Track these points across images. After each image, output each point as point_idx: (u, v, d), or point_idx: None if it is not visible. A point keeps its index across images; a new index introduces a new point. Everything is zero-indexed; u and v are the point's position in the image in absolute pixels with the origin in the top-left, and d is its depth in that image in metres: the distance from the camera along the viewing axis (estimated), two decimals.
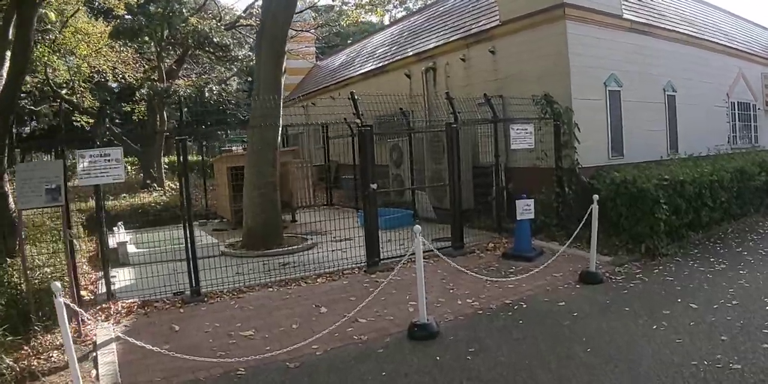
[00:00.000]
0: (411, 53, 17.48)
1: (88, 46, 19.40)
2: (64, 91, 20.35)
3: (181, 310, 8.02)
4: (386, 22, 37.26)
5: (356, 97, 9.77)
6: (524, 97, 11.82)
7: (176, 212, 16.46)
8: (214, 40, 19.07)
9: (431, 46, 16.37)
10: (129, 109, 23.30)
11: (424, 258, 9.46)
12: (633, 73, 13.19)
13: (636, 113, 13.23)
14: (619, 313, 7.22)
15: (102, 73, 20.43)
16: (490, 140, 11.98)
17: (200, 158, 20.40)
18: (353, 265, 9.78)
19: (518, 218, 9.72)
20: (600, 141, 12.37)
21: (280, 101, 11.77)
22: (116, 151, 8.08)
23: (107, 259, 8.55)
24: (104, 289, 8.49)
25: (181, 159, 8.65)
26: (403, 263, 8.14)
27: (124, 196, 18.19)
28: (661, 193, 9.76)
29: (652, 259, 9.79)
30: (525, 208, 9.67)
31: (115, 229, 13.70)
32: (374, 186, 9.45)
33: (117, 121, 25.57)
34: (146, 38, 19.25)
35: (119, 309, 8.04)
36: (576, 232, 9.08)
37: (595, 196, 8.62)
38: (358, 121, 9.54)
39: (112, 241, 11.39)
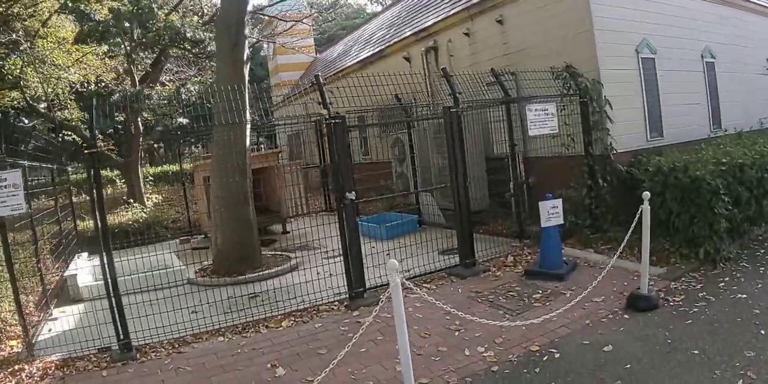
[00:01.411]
0: (409, 33, 15.35)
1: (70, 54, 17.66)
2: (42, 106, 18.54)
3: (104, 373, 6.07)
4: (379, 8, 35.13)
5: (322, 81, 7.64)
6: (542, 71, 9.57)
7: (158, 230, 14.73)
8: (187, 35, 17.04)
9: (430, 22, 14.21)
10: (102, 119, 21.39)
11: (424, 281, 7.32)
12: (667, 37, 10.91)
13: (673, 85, 10.96)
14: (689, 362, 5.03)
15: (85, 83, 18.65)
16: (504, 126, 9.79)
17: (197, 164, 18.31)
18: (333, 298, 7.68)
19: (543, 225, 7.53)
20: (636, 120, 10.12)
21: (244, 95, 9.70)
22: (13, 174, 6.30)
23: (48, 298, 6.66)
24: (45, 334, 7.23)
25: (93, 174, 6.61)
26: (403, 291, 6.05)
27: None
28: (719, 181, 7.52)
29: (714, 267, 7.54)
30: (551, 213, 7.49)
31: (77, 256, 12.12)
32: (352, 195, 7.33)
33: (108, 132, 23.55)
34: (118, 39, 17.40)
35: (32, 372, 6.20)
36: (624, 239, 6.87)
37: (646, 194, 6.34)
38: (324, 112, 7.42)
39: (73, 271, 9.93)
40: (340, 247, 7.55)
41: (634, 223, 6.51)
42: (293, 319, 7.15)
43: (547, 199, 7.54)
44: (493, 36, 11.83)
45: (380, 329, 6.35)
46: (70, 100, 19.56)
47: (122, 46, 17.75)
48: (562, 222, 7.63)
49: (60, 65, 17.30)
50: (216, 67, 11.00)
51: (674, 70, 10.99)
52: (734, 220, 7.83)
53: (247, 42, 10.56)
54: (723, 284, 6.92)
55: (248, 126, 10.14)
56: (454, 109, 8.11)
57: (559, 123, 9.04)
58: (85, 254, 12.38)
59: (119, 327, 6.49)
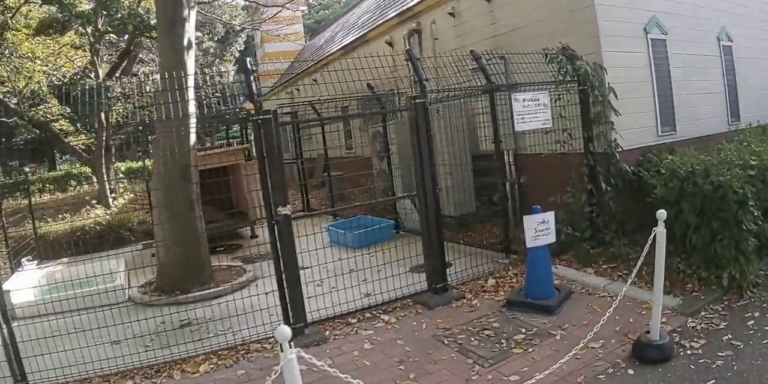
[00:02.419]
0: (392, 14, 13.84)
1: (45, 47, 16.37)
2: (14, 101, 17.20)
3: None
4: None
5: (250, 66, 6.14)
6: (534, 53, 8.01)
7: (122, 234, 13.36)
8: (152, 23, 15.59)
9: (414, 1, 12.64)
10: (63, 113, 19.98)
11: (384, 311, 6.08)
12: (680, 16, 9.34)
13: (687, 71, 9.41)
14: None
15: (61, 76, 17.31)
16: (501, 117, 8.20)
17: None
18: (270, 332, 6.22)
19: (529, 246, 6.05)
20: (644, 111, 8.59)
21: (187, 84, 8.27)
22: None
23: None
24: None
25: None
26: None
27: (62, 217, 14.86)
28: (748, 189, 6.02)
29: (740, 296, 6.00)
30: (540, 229, 6.00)
31: (23, 265, 10.83)
32: (286, 209, 5.86)
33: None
34: (81, 29, 16.05)
35: None
36: (631, 259, 5.59)
37: (661, 214, 4.82)
38: (249, 106, 5.94)
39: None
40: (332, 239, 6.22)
41: (644, 253, 4.99)
42: (216, 360, 5.75)
43: (534, 212, 6.05)
44: (481, 16, 10.30)
45: (321, 380, 4.93)
46: (50, 94, 18.32)
47: (86, 36, 16.41)
48: (553, 240, 6.14)
49: (29, 57, 16.03)
50: (158, 51, 9.63)
51: (687, 54, 9.43)
52: (763, 237, 6.36)
53: (192, 22, 9.04)
54: (752, 322, 5.41)
55: (193, 121, 8.68)
56: (420, 100, 6.61)
57: (553, 115, 7.55)
58: (34, 263, 11.05)
59: (15, 366, 5.29)
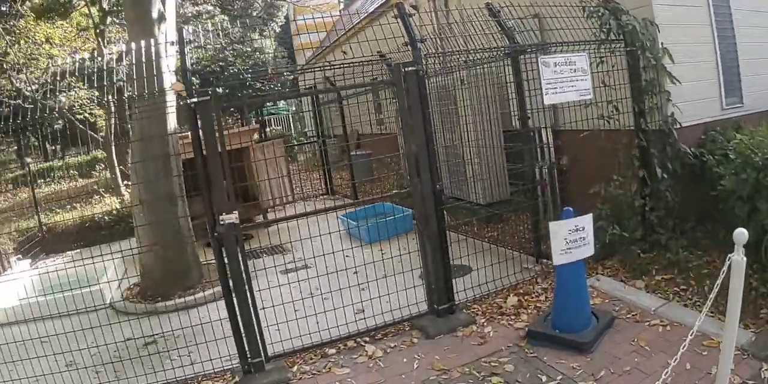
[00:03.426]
0: None
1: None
2: (32, 88, 16.36)
3: None
4: None
5: (186, 37, 4.80)
6: (571, 6, 6.34)
7: (132, 224, 12.41)
8: None
9: None
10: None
11: (371, 339, 4.90)
12: None
13: (752, 30, 7.50)
14: None
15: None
16: (531, 87, 6.39)
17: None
18: (230, 363, 4.98)
19: (556, 263, 4.55)
20: (706, 78, 6.82)
21: (158, 58, 7.02)
22: None
23: None
24: None
25: None
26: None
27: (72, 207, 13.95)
28: None
29: None
30: (572, 240, 4.47)
31: (13, 261, 10.17)
32: (231, 217, 4.51)
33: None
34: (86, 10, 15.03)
35: None
36: (711, 293, 4.14)
37: (740, 235, 3.22)
38: (179, 87, 4.56)
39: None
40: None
41: (716, 288, 3.43)
42: None
43: (564, 216, 4.53)
44: None
45: None
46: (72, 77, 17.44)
47: (91, 18, 15.37)
48: (590, 253, 4.61)
49: (42, 41, 15.09)
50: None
51: (755, 9, 7.60)
52: None
53: None
54: None
55: (171, 102, 7.40)
56: (411, 68, 5.11)
57: (594, 84, 5.97)
58: (27, 260, 10.16)
59: None
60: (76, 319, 5.55)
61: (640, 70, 6.10)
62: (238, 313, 4.72)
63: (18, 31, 14.11)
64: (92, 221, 12.51)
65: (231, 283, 4.69)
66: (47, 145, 26.45)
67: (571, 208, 4.53)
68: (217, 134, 4.44)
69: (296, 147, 17.23)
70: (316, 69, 10.99)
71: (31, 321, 6.25)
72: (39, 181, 16.37)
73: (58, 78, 8.61)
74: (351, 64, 7.06)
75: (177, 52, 5.19)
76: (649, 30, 6.04)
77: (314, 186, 14.00)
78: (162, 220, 7.49)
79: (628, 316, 4.95)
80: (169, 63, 7.33)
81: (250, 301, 4.72)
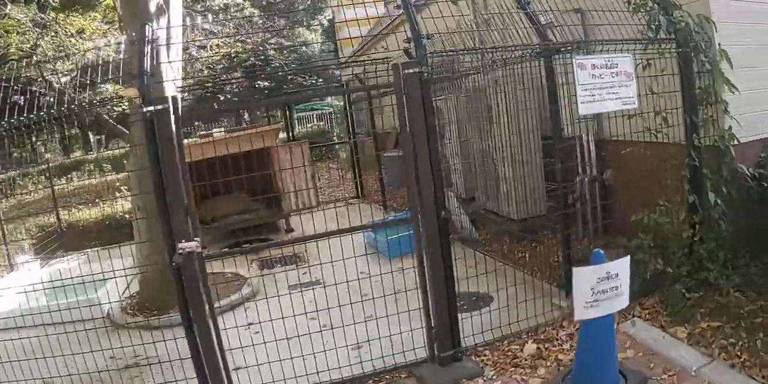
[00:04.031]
0: None
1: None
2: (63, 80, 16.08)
3: None
4: None
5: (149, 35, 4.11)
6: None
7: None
8: None
9: None
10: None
11: None
12: None
13: None
14: None
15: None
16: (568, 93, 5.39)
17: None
18: None
19: (578, 317, 3.66)
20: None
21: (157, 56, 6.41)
22: None
23: None
24: None
25: None
26: None
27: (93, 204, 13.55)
28: None
29: None
30: (601, 291, 3.57)
31: (20, 260, 9.80)
32: (192, 245, 3.81)
33: None
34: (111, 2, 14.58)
35: None
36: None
37: None
38: (132, 93, 3.88)
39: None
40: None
41: None
42: None
43: (594, 260, 3.64)
44: None
45: None
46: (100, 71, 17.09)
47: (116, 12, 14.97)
48: (623, 306, 3.70)
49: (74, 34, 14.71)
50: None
51: None
52: None
53: None
54: None
55: (172, 96, 6.76)
56: (412, 70, 4.31)
57: (640, 90, 5.07)
58: (35, 261, 9.76)
59: None
60: (71, 328, 5.23)
61: (694, 75, 5.16)
62: (202, 355, 4.05)
63: (47, 24, 13.74)
64: (113, 219, 12.19)
65: (193, 321, 4.02)
66: (65, 141, 26.34)
67: (601, 250, 3.66)
68: (177, 148, 3.75)
69: (324, 147, 16.62)
70: (329, 65, 10.24)
71: (26, 328, 5.98)
72: (63, 176, 16.10)
73: (87, 71, 8.14)
74: (368, 62, 6.33)
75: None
76: (704, 28, 5.11)
77: (345, 188, 13.37)
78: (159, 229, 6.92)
79: (664, 376, 4.05)
80: (171, 56, 6.73)
81: (216, 343, 4.04)
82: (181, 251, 3.78)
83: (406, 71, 4.24)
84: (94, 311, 6.81)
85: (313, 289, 5.83)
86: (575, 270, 3.53)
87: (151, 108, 3.73)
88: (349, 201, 12.26)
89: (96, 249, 10.48)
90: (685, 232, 5.12)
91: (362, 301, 4.67)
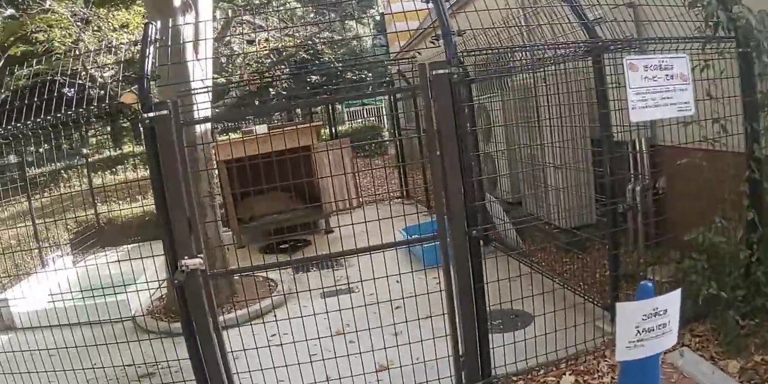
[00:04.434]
0: None
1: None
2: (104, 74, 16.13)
3: None
4: None
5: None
6: None
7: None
8: None
9: None
10: None
11: None
12: None
13: None
14: None
15: None
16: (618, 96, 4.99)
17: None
18: None
19: (619, 359, 3.17)
20: None
21: (183, 53, 6.27)
22: None
23: None
24: None
25: None
26: None
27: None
28: None
29: None
30: (647, 329, 3.11)
31: (50, 258, 9.54)
32: (196, 262, 3.54)
33: None
34: None
35: None
36: None
37: None
38: (131, 99, 3.64)
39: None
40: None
41: None
42: None
43: (641, 295, 3.19)
44: None
45: None
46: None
47: None
48: (671, 344, 3.24)
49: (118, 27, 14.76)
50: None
51: None
52: None
53: None
54: None
55: (204, 100, 6.56)
56: (442, 71, 3.83)
57: (696, 95, 4.59)
58: (66, 259, 9.70)
59: None
60: (96, 329, 5.20)
61: (755, 78, 4.65)
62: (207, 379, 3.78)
63: (90, 18, 13.80)
64: (153, 215, 12.09)
65: (198, 347, 3.75)
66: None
67: (650, 283, 3.22)
68: (179, 157, 3.48)
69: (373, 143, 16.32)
70: (363, 64, 9.92)
71: (50, 328, 5.82)
72: (107, 170, 16.11)
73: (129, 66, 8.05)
74: (390, 61, 5.95)
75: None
76: (766, 26, 4.59)
77: (391, 187, 13.03)
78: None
79: None
80: (200, 53, 6.53)
81: (221, 366, 3.77)
82: (183, 269, 3.50)
83: (434, 72, 3.82)
84: (123, 310, 6.95)
85: (349, 293, 5.64)
86: (619, 306, 3.10)
87: (151, 114, 3.45)
88: (393, 201, 11.97)
89: (134, 245, 10.39)
90: (743, 252, 4.63)
91: (393, 314, 4.33)
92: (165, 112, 3.44)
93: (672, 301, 3.12)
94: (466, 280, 3.92)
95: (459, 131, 3.91)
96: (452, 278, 3.92)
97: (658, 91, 4.48)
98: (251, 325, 6.02)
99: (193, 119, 4.28)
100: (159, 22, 5.89)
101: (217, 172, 8.39)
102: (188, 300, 3.60)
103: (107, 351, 4.84)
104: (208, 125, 7.08)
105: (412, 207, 10.90)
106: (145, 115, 3.45)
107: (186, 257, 3.53)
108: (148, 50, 3.68)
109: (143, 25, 3.96)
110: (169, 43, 5.32)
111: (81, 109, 4.19)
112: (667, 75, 4.51)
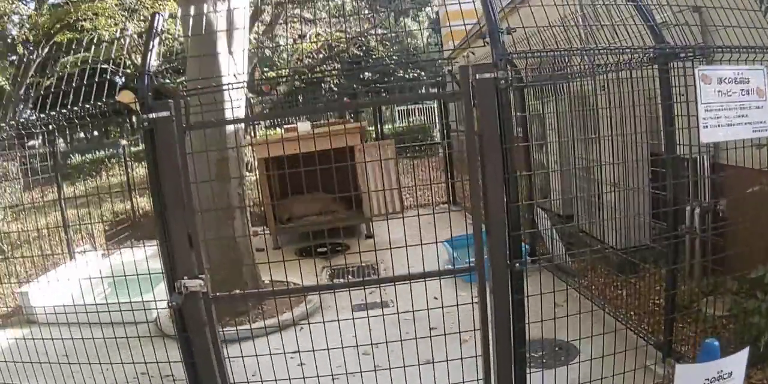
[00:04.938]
0: None
1: None
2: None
3: None
4: None
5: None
6: None
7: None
8: None
9: None
10: None
11: None
12: None
13: None
14: None
15: None
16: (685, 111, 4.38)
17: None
18: None
19: None
20: None
21: (215, 45, 5.98)
22: None
23: None
24: None
25: None
26: None
27: None
28: None
29: None
30: None
31: (78, 249, 9.31)
32: (197, 283, 3.17)
33: None
34: None
35: None
36: None
37: None
38: (128, 98, 3.26)
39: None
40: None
41: None
42: None
43: (704, 356, 2.74)
44: None
45: None
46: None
47: None
48: None
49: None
50: None
51: None
52: None
53: None
54: None
55: (238, 92, 6.24)
56: (487, 75, 3.30)
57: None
58: (94, 252, 9.51)
59: None
60: (120, 330, 4.78)
61: None
62: None
63: (136, 8, 13.67)
64: None
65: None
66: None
67: (716, 342, 2.75)
68: (179, 164, 3.12)
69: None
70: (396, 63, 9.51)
71: (68, 325, 5.37)
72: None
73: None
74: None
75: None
76: None
77: (437, 191, 12.59)
78: (214, 232, 6.42)
79: None
80: (233, 45, 6.19)
81: None
82: (181, 290, 3.14)
83: (478, 76, 3.32)
84: (147, 313, 6.41)
85: (382, 307, 5.34)
86: (678, 368, 2.67)
87: (152, 115, 3.09)
88: (439, 206, 11.53)
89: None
90: None
91: (429, 333, 3.87)
92: (166, 113, 3.07)
93: (738, 363, 2.66)
94: (505, 322, 3.42)
95: (504, 144, 3.41)
96: (488, 318, 3.44)
97: (732, 108, 3.98)
98: (281, 335, 5.76)
99: (200, 122, 3.87)
100: (191, 9, 5.63)
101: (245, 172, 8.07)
102: (187, 324, 3.24)
103: (119, 356, 4.60)
104: (241, 124, 6.75)
105: (459, 214, 10.40)
106: (144, 117, 3.08)
107: (185, 277, 3.17)
108: (152, 43, 3.30)
109: (150, 15, 3.63)
110: (199, 34, 5.02)
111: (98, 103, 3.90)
112: (742, 90, 4.01)
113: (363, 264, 8.29)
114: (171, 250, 3.18)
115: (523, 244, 3.65)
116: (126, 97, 3.22)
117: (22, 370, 4.96)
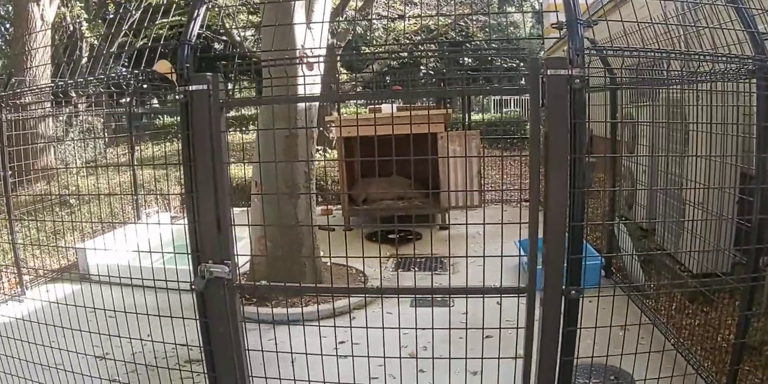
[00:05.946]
0: None
1: None
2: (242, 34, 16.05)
3: None
4: None
5: None
6: None
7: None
8: None
9: None
10: None
11: None
12: None
13: None
14: None
15: None
16: None
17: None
18: None
19: None
20: None
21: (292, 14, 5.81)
22: None
23: None
24: None
25: None
26: None
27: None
28: None
29: None
30: None
31: (146, 211, 9.57)
32: (222, 269, 3.01)
33: None
34: None
35: None
36: None
37: None
38: (165, 67, 3.05)
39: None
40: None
41: None
42: None
43: None
44: None
45: None
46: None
47: None
48: None
49: None
50: None
51: None
52: None
53: None
54: None
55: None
56: (560, 71, 2.80)
57: None
58: (164, 215, 9.59)
59: None
60: (163, 297, 4.45)
61: None
62: None
63: None
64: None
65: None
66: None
67: None
68: (210, 144, 2.94)
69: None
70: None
71: (121, 286, 5.28)
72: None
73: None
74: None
75: None
76: None
77: (522, 185, 12.09)
78: (277, 209, 6.36)
79: None
80: (312, 18, 6.01)
81: None
82: (204, 274, 2.99)
83: (550, 72, 2.86)
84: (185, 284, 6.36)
85: (445, 306, 4.95)
86: None
87: (189, 87, 2.92)
88: (522, 203, 11.08)
89: (240, 210, 10.20)
90: None
91: (482, 343, 3.53)
92: (203, 86, 2.90)
93: None
94: (552, 354, 3.07)
95: (573, 153, 3.02)
96: (533, 349, 3.09)
97: None
98: (335, 320, 5.57)
99: (239, 99, 3.63)
100: None
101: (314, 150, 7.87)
102: (208, 310, 3.09)
103: (163, 322, 4.41)
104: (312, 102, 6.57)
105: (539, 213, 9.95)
106: (179, 89, 2.92)
107: (210, 261, 3.01)
108: (197, 11, 3.10)
109: None
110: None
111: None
112: None
113: (433, 255, 8.05)
114: (198, 231, 3.02)
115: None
116: (163, 66, 3.04)
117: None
